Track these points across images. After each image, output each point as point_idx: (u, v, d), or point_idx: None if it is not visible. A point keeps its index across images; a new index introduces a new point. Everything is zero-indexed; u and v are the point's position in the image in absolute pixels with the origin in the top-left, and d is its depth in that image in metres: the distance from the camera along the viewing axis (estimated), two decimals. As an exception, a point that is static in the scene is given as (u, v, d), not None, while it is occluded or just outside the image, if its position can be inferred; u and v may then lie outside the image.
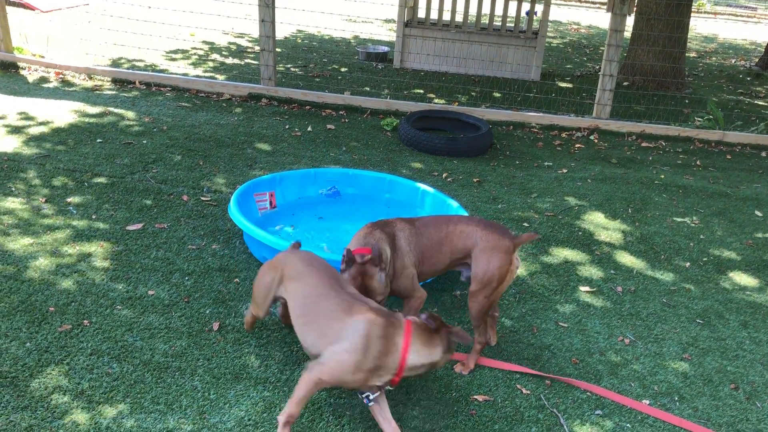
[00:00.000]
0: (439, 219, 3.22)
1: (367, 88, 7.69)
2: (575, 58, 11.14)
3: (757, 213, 5.20)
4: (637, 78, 8.92)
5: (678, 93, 8.78)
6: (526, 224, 4.66)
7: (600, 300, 3.83)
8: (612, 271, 4.16)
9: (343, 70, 8.71)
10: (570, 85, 8.78)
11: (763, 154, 6.65)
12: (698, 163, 6.26)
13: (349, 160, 5.50)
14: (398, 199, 4.55)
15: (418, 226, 3.14)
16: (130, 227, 4.04)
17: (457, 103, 7.34)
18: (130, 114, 6.09)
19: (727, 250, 4.56)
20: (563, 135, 6.77)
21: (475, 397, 2.94)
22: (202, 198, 4.55)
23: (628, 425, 2.87)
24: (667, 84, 8.85)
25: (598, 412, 2.94)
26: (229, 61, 8.68)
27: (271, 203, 4.34)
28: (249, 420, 2.66)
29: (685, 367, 3.32)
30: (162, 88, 6.99)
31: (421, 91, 7.95)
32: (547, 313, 3.66)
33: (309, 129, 6.21)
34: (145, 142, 5.43)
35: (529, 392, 3.01)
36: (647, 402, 3.03)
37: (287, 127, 6.21)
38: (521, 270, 4.05)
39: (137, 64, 7.94)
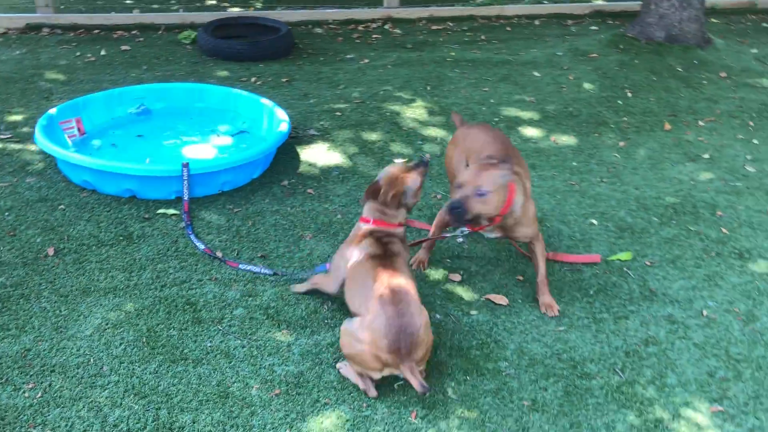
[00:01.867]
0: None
1: (155, 6, 7.40)
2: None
3: (536, 73, 5.85)
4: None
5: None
6: (338, 113, 4.93)
7: (413, 167, 4.23)
8: (419, 142, 4.58)
9: (126, -11, 8.24)
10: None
11: (536, 22, 7.37)
12: (482, 37, 6.82)
13: (153, 78, 5.39)
14: (212, 107, 4.60)
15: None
16: (-72, 176, 3.80)
17: (252, 9, 7.31)
18: None
19: (515, 108, 5.14)
20: (360, 28, 7.03)
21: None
22: (1, 137, 4.32)
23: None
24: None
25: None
26: (-6, -7, 7.89)
27: (79, 130, 4.22)
28: (107, 325, 2.77)
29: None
30: None
31: (214, 1, 7.79)
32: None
33: (102, 53, 5.94)
34: None
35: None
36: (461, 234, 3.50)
37: (78, 54, 5.90)
38: (343, 153, 4.35)
39: None
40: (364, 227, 2.82)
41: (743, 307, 3.10)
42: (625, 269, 3.35)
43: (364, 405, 2.50)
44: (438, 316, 2.96)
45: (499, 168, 2.73)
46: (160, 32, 6.55)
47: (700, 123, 5.02)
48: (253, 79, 5.50)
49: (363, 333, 2.44)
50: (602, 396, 2.57)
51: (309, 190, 3.91)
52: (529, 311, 3.01)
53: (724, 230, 3.71)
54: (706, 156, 4.54)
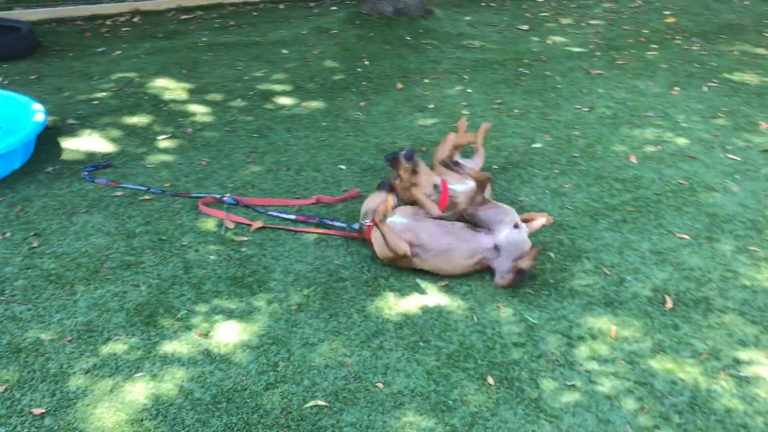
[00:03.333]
0: None
1: None
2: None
3: (284, 51, 6.38)
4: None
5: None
6: (96, 102, 5.06)
7: (174, 142, 4.54)
8: (180, 119, 4.88)
9: None
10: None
11: (281, 6, 7.90)
12: (232, 23, 7.21)
13: None
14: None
15: None
16: None
17: (-14, 11, 7.01)
18: None
19: (268, 83, 5.62)
20: (108, 23, 7.07)
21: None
22: None
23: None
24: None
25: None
26: None
27: None
28: None
29: (252, 167, 4.27)
30: None
31: (-60, 6, 7.31)
32: (137, 162, 4.25)
33: None
34: None
35: (136, 216, 3.64)
36: (230, 195, 3.90)
37: None
38: (106, 137, 4.52)
39: None
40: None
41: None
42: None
43: (152, 334, 2.83)
44: (212, 257, 3.35)
45: None
46: None
47: (426, 81, 5.87)
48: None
49: None
50: (354, 291, 3.15)
51: (84, 174, 4.07)
52: (293, 241, 3.51)
53: (446, 160, 4.51)
54: (432, 106, 5.36)
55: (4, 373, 2.60)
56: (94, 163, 4.15)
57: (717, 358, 2.85)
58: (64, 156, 4.29)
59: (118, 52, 6.18)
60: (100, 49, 6.25)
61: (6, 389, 2.53)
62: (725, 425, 2.54)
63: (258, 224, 3.59)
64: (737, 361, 2.84)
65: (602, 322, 3.03)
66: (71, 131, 4.62)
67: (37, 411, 2.45)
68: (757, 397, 2.67)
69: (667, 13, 8.30)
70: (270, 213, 3.72)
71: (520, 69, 6.19)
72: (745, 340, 2.97)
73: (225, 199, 3.78)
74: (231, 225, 3.57)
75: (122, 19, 7.16)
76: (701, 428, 2.52)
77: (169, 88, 5.40)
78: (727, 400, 2.65)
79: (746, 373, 2.78)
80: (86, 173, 4.02)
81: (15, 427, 2.38)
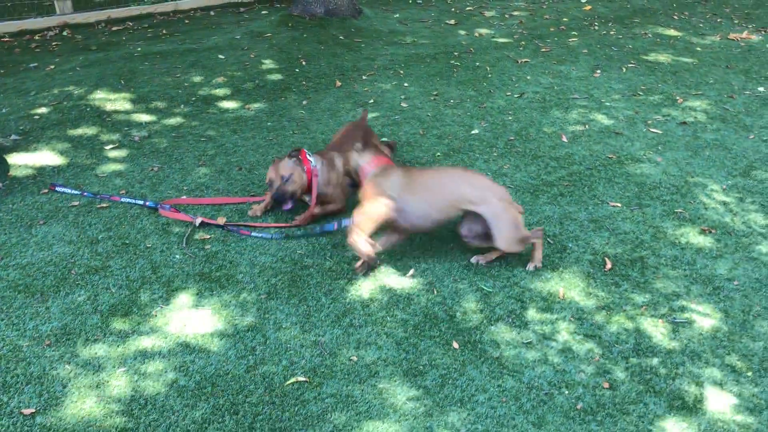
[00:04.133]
0: None
1: None
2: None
3: (221, 56, 6.46)
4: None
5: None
6: (37, 117, 5.05)
7: (123, 151, 4.59)
8: (126, 128, 4.93)
9: None
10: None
11: (212, 13, 7.96)
12: (164, 32, 7.23)
13: None
14: None
15: None
16: None
17: None
18: None
19: (208, 88, 5.70)
20: (37, 38, 6.98)
21: (54, 242, 3.52)
22: None
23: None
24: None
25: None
26: None
27: None
28: None
29: (205, 170, 4.37)
30: None
31: None
32: (89, 172, 4.29)
33: None
34: None
35: (96, 224, 3.70)
36: (186, 196, 4.00)
37: None
38: (52, 149, 4.54)
39: None
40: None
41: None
42: (322, 191, 4.15)
43: (129, 331, 2.93)
44: (178, 256, 3.46)
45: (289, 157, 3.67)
46: None
47: (364, 77, 6.07)
48: (-69, 100, 5.31)
49: (514, 216, 3.24)
50: (319, 276, 3.32)
51: (44, 188, 4.09)
52: (255, 236, 3.65)
53: (391, 150, 4.72)
54: (372, 101, 5.56)
55: (-13, 380, 2.66)
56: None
57: (655, 308, 3.15)
58: (13, 172, 4.30)
59: (52, 67, 6.14)
60: (32, 65, 6.19)
61: (-7, 394, 2.60)
62: (666, 365, 2.83)
63: (222, 219, 3.72)
64: (672, 309, 3.15)
65: (550, 286, 3.29)
66: (16, 147, 4.61)
67: (27, 411, 2.52)
68: (692, 338, 2.98)
69: (584, 1, 8.75)
70: (254, 234, 3.64)
71: (452, 61, 6.47)
72: (678, 291, 3.28)
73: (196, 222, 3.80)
74: (198, 222, 3.68)
75: (51, 33, 7.09)
76: (645, 369, 2.81)
77: (110, 98, 5.43)
78: (666, 343, 2.95)
79: (681, 319, 3.09)
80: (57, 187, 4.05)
81: (8, 428, 2.46)
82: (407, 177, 3.33)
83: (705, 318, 3.10)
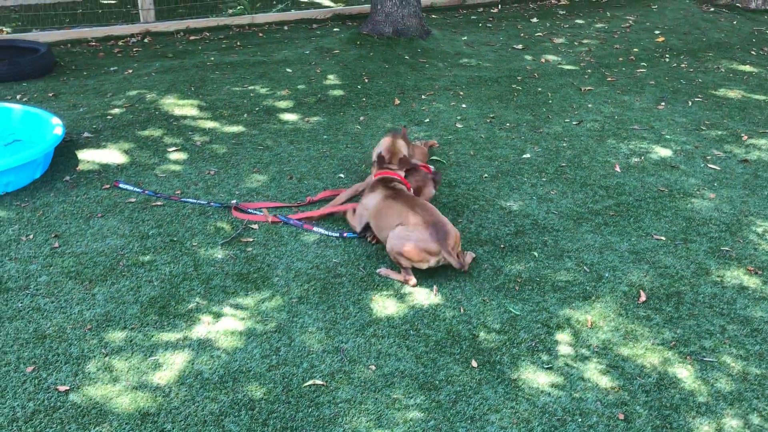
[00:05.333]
0: None
1: None
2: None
3: (288, 70, 6.69)
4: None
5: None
6: (110, 117, 5.36)
7: (184, 154, 4.83)
8: (190, 133, 5.17)
9: None
10: (114, 1, 9.28)
11: (286, 27, 8.25)
12: (238, 44, 7.54)
13: None
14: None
15: None
16: None
17: (4, 31, 7.36)
18: None
19: (272, 99, 5.92)
20: (120, 43, 7.41)
21: (108, 234, 3.74)
22: None
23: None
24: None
25: (203, 216, 3.99)
26: None
27: None
28: None
29: (258, 177, 4.55)
30: None
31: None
32: (149, 171, 4.54)
33: None
34: None
35: (149, 220, 3.91)
36: (235, 200, 4.18)
37: None
38: (119, 149, 4.82)
39: None
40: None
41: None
42: (366, 205, 4.26)
43: (165, 323, 3.09)
44: (220, 255, 3.62)
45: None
46: None
47: (423, 97, 6.17)
48: (18, 97, 5.71)
49: (411, 233, 3.34)
50: (350, 285, 3.41)
51: (103, 184, 4.36)
52: (294, 242, 3.78)
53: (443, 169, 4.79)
54: (427, 120, 5.65)
55: (31, 356, 2.86)
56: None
57: (684, 345, 3.09)
58: (81, 167, 4.58)
59: (130, 71, 6.50)
60: (112, 68, 6.58)
61: (33, 369, 2.79)
62: (687, 403, 2.77)
63: (272, 217, 3.92)
64: (703, 348, 3.08)
65: (579, 314, 3.27)
66: (87, 144, 4.91)
67: (62, 388, 2.70)
68: (719, 379, 2.91)
69: (658, 32, 8.61)
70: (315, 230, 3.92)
71: (514, 85, 6.49)
72: (712, 329, 3.20)
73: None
74: (270, 219, 3.96)
75: (134, 39, 7.50)
76: (665, 405, 2.76)
77: (179, 104, 5.71)
78: (691, 381, 2.89)
79: (711, 359, 3.02)
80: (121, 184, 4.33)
81: (42, 402, 2.64)
82: (381, 201, 3.66)
83: (736, 360, 3.02)
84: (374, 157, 4.09)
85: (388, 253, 3.48)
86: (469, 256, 3.58)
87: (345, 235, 3.85)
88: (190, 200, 4.13)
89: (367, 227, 3.78)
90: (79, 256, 3.58)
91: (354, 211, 3.88)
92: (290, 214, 4.05)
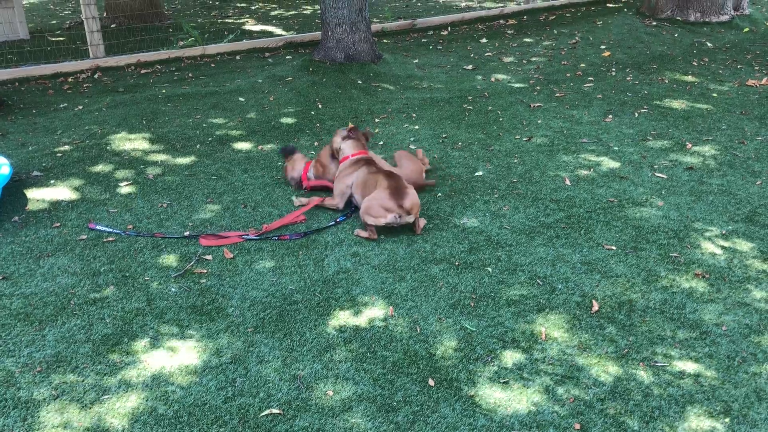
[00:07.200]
0: None
1: None
2: (58, 12, 11.38)
3: (241, 99, 6.70)
4: (121, 18, 9.76)
5: (161, 23, 9.93)
6: (59, 155, 5.29)
7: (136, 188, 4.78)
8: (142, 167, 5.13)
9: None
10: (62, 38, 9.20)
11: (238, 57, 8.26)
12: (190, 75, 7.53)
13: None
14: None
15: None
16: None
17: (-50, 74, 7.24)
18: None
19: (225, 129, 5.91)
20: (69, 80, 7.33)
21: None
22: None
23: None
24: (149, 17, 9.91)
25: (156, 250, 3.95)
26: None
27: None
28: None
29: (212, 207, 4.52)
30: None
31: None
32: (100, 207, 4.48)
33: None
34: None
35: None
36: (189, 231, 4.14)
37: None
38: (69, 186, 4.75)
39: None
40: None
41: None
42: (320, 227, 4.26)
43: (117, 361, 3.04)
44: (173, 289, 3.58)
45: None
46: None
47: (376, 120, 6.22)
48: (-37, 137, 5.62)
49: (376, 194, 4.05)
50: (306, 312, 3.40)
51: (54, 222, 4.28)
52: (249, 271, 3.76)
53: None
54: (381, 143, 5.70)
55: (-23, 403, 2.78)
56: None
57: (637, 352, 3.14)
58: (30, 206, 4.50)
59: (80, 107, 6.43)
60: (62, 105, 6.51)
61: (-20, 416, 2.72)
62: (642, 408, 2.82)
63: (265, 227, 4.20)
64: (655, 353, 3.14)
65: (534, 327, 3.31)
66: (36, 182, 4.84)
67: (10, 434, 2.63)
68: (671, 383, 2.96)
69: (603, 47, 8.84)
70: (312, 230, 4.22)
71: (465, 105, 6.59)
72: (663, 335, 3.27)
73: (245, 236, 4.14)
74: (251, 235, 4.11)
75: (83, 75, 7.44)
76: (620, 412, 2.80)
77: (130, 138, 5.66)
78: (645, 387, 2.94)
79: (663, 363, 3.07)
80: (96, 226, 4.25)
81: (-11, 449, 2.57)
82: (366, 175, 4.29)
83: (688, 363, 3.08)
84: (334, 146, 4.66)
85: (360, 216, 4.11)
86: (422, 221, 4.21)
87: (338, 220, 4.33)
88: (174, 236, 4.07)
89: (348, 202, 4.44)
90: (29, 296, 3.51)
91: (325, 199, 4.49)
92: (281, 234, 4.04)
